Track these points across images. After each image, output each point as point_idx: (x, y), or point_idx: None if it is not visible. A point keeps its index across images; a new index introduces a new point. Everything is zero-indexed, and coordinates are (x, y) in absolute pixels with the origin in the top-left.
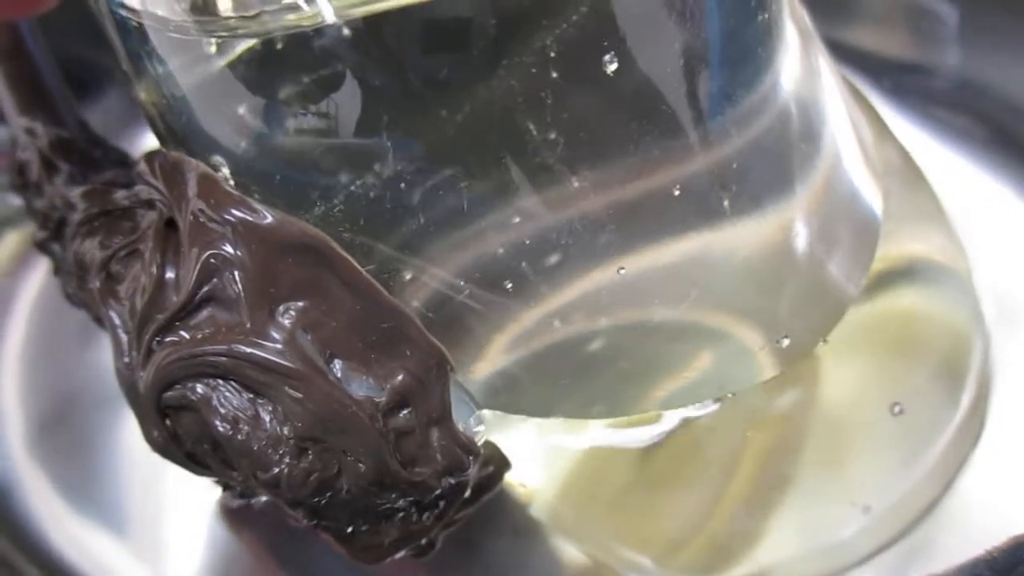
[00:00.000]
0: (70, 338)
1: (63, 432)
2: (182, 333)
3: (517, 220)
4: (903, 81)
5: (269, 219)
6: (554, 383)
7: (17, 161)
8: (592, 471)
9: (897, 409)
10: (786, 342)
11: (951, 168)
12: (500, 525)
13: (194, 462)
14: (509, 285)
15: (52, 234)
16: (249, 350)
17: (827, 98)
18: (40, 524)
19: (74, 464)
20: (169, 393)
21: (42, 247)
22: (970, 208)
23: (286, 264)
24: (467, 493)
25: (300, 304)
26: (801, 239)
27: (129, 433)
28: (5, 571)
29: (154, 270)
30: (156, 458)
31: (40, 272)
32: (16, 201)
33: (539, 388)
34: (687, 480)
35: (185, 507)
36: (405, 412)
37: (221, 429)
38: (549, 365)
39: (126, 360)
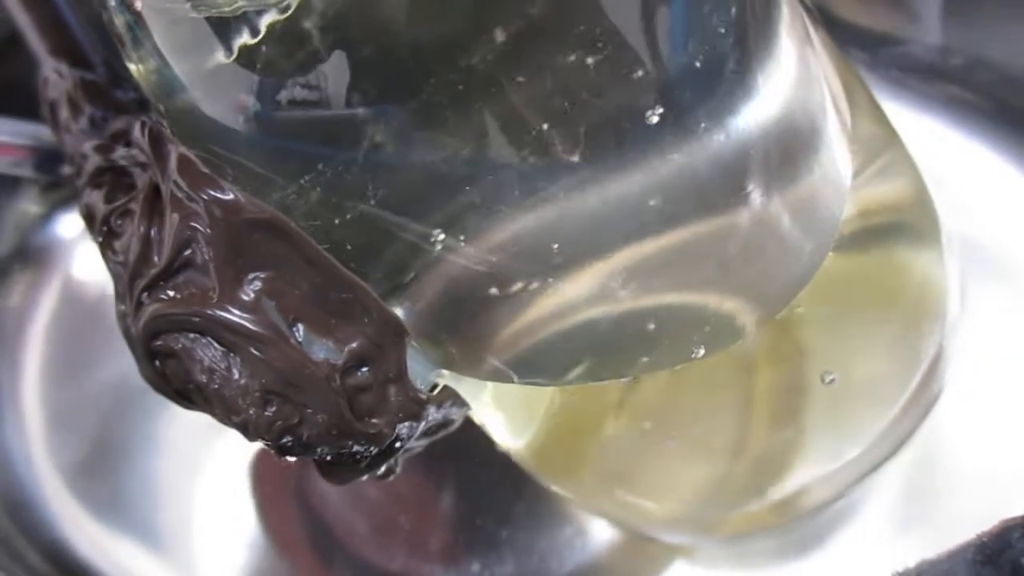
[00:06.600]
0: (91, 348)
1: (89, 444)
2: (168, 291)
3: (508, 187)
4: (880, 51)
5: (238, 199)
6: (534, 348)
7: (48, 100)
8: (566, 429)
9: (829, 379)
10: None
11: (928, 136)
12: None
13: (183, 398)
14: (500, 249)
15: (77, 174)
16: (220, 313)
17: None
18: (70, 536)
19: (102, 476)
20: (157, 342)
21: (72, 181)
22: (945, 173)
23: (251, 240)
24: (421, 429)
25: (265, 274)
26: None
27: (157, 443)
28: None
29: (142, 230)
30: (186, 469)
31: (55, 287)
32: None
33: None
34: (659, 426)
35: (216, 516)
36: (363, 370)
37: (199, 377)
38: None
39: (122, 308)
